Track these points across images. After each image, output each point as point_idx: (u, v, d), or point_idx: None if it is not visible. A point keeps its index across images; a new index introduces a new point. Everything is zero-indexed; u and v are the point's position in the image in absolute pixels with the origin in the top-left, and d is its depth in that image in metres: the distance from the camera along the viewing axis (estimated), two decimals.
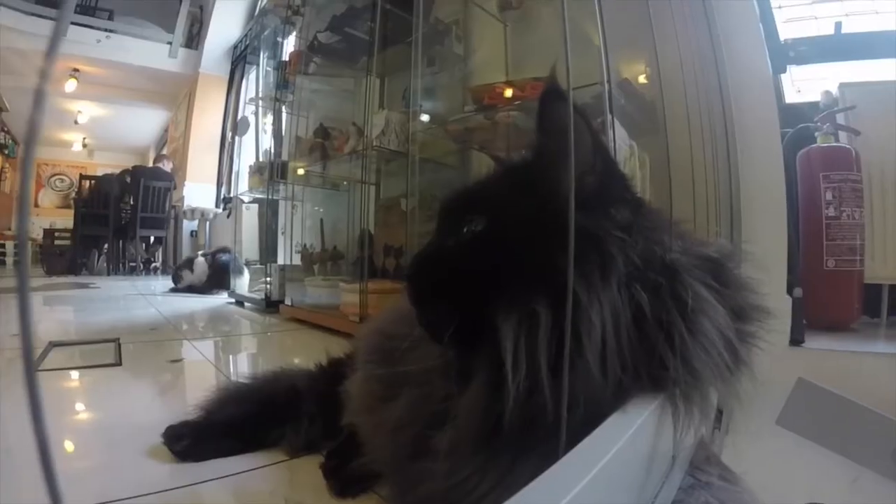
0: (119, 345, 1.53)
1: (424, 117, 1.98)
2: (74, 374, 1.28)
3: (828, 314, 1.57)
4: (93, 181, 5.95)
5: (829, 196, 1.56)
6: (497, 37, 2.11)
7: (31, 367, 0.21)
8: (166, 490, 0.63)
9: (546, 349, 0.43)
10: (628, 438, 0.38)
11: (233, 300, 3.08)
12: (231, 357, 1.66)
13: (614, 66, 1.33)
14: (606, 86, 1.16)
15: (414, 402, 0.53)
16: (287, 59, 3.03)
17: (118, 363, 1.33)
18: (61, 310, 2.78)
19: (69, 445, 0.81)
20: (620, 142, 1.20)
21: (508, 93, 1.61)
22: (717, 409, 1.20)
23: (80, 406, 1.04)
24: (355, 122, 2.35)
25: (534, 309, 0.45)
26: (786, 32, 1.81)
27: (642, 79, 1.51)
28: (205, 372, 1.36)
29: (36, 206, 9.73)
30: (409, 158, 1.83)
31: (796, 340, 1.35)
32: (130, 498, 0.61)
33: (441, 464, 0.46)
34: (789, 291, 1.38)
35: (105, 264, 5.69)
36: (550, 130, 0.51)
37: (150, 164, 5.97)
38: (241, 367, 1.53)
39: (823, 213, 1.57)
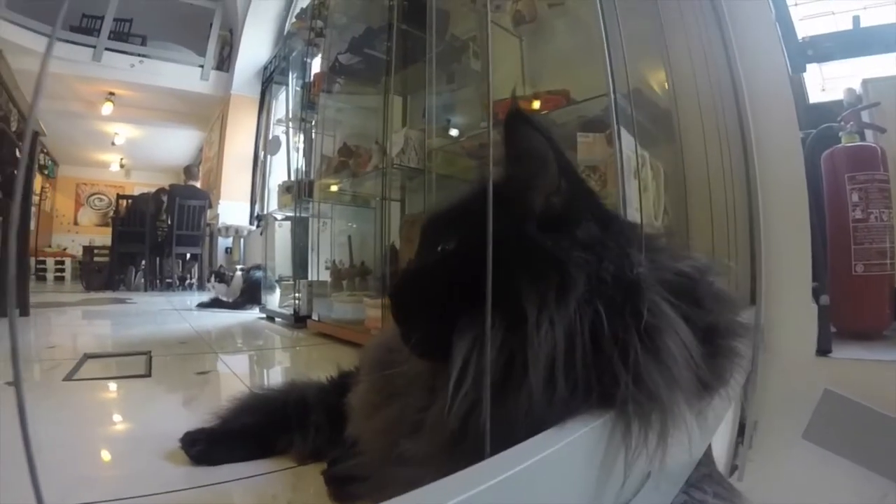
0: (150, 357, 1.59)
1: (454, 132, 2.01)
2: (105, 384, 1.35)
3: (857, 322, 1.52)
4: (129, 200, 6.16)
5: (855, 198, 1.52)
6: (513, 51, 2.12)
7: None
8: (179, 490, 0.67)
9: (493, 367, 0.44)
10: (556, 451, 0.39)
11: (264, 315, 3.15)
12: (255, 370, 1.71)
13: (622, 75, 1.33)
14: (612, 96, 1.15)
15: (396, 411, 0.56)
16: (312, 80, 3.10)
17: (148, 374, 1.40)
18: (98, 323, 2.90)
19: (94, 448, 0.87)
20: (630, 152, 1.20)
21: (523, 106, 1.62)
22: (739, 422, 1.18)
23: (108, 413, 1.11)
24: (378, 141, 2.39)
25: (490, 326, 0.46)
26: (803, 30, 1.76)
27: (655, 86, 1.51)
28: (229, 383, 1.41)
29: (76, 223, 10.29)
30: (425, 175, 1.85)
31: (823, 350, 1.31)
32: (145, 496, 0.65)
33: (406, 471, 0.48)
34: (816, 299, 1.35)
35: (142, 280, 5.87)
36: (515, 153, 0.52)
37: (184, 181, 6.12)
38: (264, 380, 1.57)
39: (850, 216, 1.52)
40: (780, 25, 1.47)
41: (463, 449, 0.44)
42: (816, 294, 1.36)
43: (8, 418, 0.84)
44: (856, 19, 1.75)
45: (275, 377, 1.64)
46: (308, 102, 3.16)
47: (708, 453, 0.71)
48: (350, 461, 0.66)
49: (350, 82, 2.85)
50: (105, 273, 5.89)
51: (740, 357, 0.55)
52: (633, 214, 1.20)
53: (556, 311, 0.45)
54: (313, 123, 3.13)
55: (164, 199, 5.91)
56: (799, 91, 1.74)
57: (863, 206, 1.52)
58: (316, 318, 2.48)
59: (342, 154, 2.67)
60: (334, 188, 2.78)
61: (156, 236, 5.80)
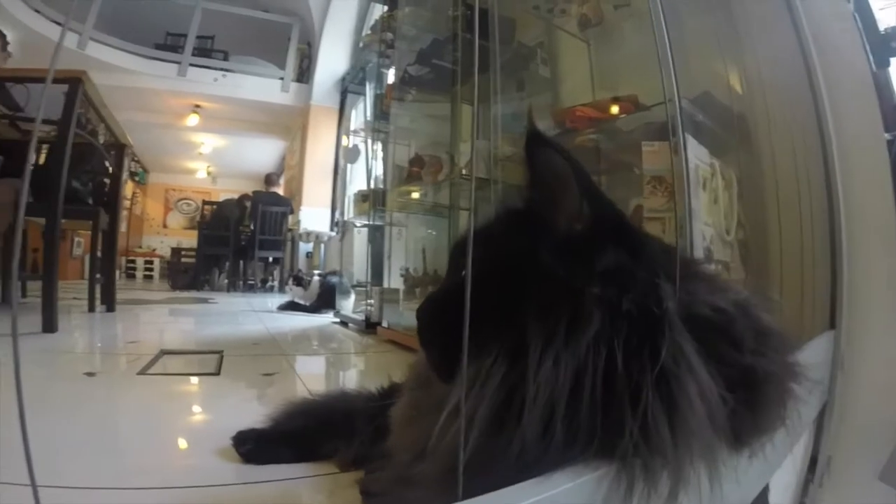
0: (222, 357, 1.67)
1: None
2: (176, 380, 1.43)
3: None
4: (214, 206, 6.55)
5: None
6: (581, 57, 2.09)
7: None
8: (224, 485, 0.71)
9: (489, 402, 0.43)
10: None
11: (338, 320, 3.25)
12: (319, 374, 1.77)
13: (691, 78, 1.28)
14: (675, 101, 1.10)
15: (421, 430, 0.54)
16: (383, 91, 3.18)
17: (217, 373, 1.46)
18: (179, 321, 3.10)
19: (152, 439, 0.93)
20: (698, 161, 1.15)
21: (585, 114, 1.60)
22: (811, 456, 1.10)
23: (172, 407, 1.16)
24: (448, 151, 2.42)
25: (489, 360, 0.45)
26: (886, 20, 1.60)
27: (725, 88, 1.43)
28: (291, 386, 1.46)
29: (165, 226, 11.15)
30: (491, 186, 1.85)
31: None
32: (193, 487, 0.69)
33: (412, 493, 0.48)
34: None
35: (225, 281, 6.20)
36: (537, 176, 0.50)
37: (264, 188, 6.43)
38: (327, 384, 1.61)
39: None
40: (859, 17, 1.35)
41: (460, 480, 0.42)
42: None
43: (87, 404, 0.93)
44: None
45: (337, 382, 1.68)
46: (381, 113, 3.24)
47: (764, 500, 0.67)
48: (377, 474, 0.67)
49: (421, 92, 2.90)
50: (190, 273, 6.30)
51: (795, 400, 0.51)
52: (702, 229, 1.16)
53: (565, 348, 0.42)
54: (387, 133, 3.19)
55: (248, 204, 6.23)
56: (884, 88, 1.60)
57: None
58: (385, 325, 2.52)
59: (415, 164, 2.72)
60: (415, 195, 2.83)
61: (239, 240, 6.10)
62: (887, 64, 1.57)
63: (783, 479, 0.95)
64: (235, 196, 6.79)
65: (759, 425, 0.47)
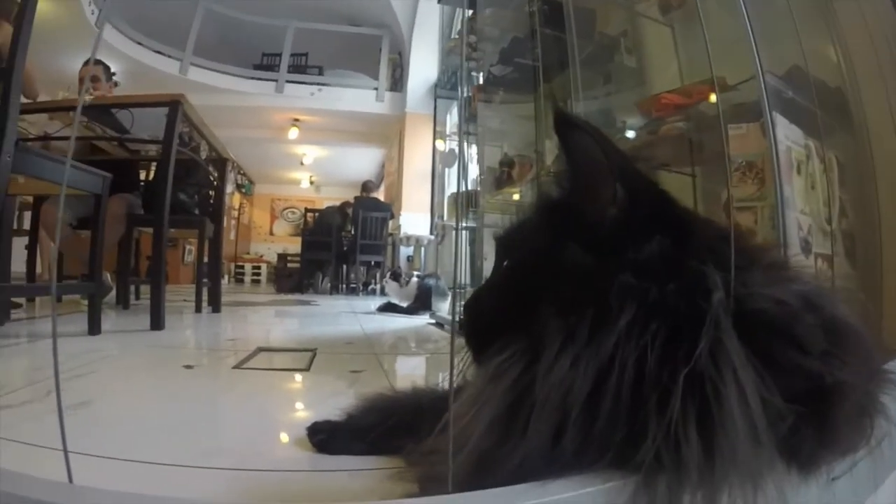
0: (314, 354, 1.73)
1: (630, 133, 1.94)
2: (268, 374, 1.50)
3: None
4: (316, 213, 6.92)
5: None
6: (666, 41, 2.00)
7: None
8: (294, 471, 0.75)
9: (496, 404, 0.42)
10: None
11: (433, 322, 3.31)
12: (406, 372, 1.79)
13: (782, 53, 1.19)
14: (760, 77, 1.04)
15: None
16: (471, 93, 3.21)
17: (307, 369, 1.53)
18: (282, 322, 3.26)
19: (238, 425, 0.99)
20: (790, 142, 1.07)
21: (670, 101, 1.54)
22: None
23: (258, 398, 1.21)
24: (538, 150, 2.40)
25: (508, 356, 0.44)
26: None
27: (824, 63, 1.31)
28: (377, 382, 1.47)
29: (271, 234, 11.97)
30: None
31: None
32: (264, 470, 0.73)
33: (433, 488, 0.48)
34: None
35: (328, 285, 6.49)
36: (571, 163, 0.47)
37: (363, 195, 6.69)
38: (411, 382, 1.63)
39: None
40: None
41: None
42: None
43: (180, 392, 0.99)
44: None
45: (423, 381, 1.69)
46: (470, 115, 3.26)
47: None
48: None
49: (507, 92, 2.89)
50: (295, 278, 6.66)
51: (885, 417, 0.43)
52: (797, 218, 1.07)
53: (586, 348, 0.39)
54: (476, 135, 3.22)
55: (349, 211, 6.53)
56: None
57: None
58: None
59: (504, 164, 2.73)
60: (515, 196, 2.83)
61: (341, 245, 6.38)
62: None
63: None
64: (337, 203, 7.11)
65: (830, 445, 0.40)
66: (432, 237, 6.20)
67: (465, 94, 3.53)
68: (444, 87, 5.90)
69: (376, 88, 7.21)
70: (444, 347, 2.33)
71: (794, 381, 0.38)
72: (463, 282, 3.58)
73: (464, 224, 3.17)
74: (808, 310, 0.41)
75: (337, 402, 0.96)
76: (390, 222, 6.53)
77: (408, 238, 6.61)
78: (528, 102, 2.78)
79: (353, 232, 6.19)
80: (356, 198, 6.63)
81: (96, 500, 0.31)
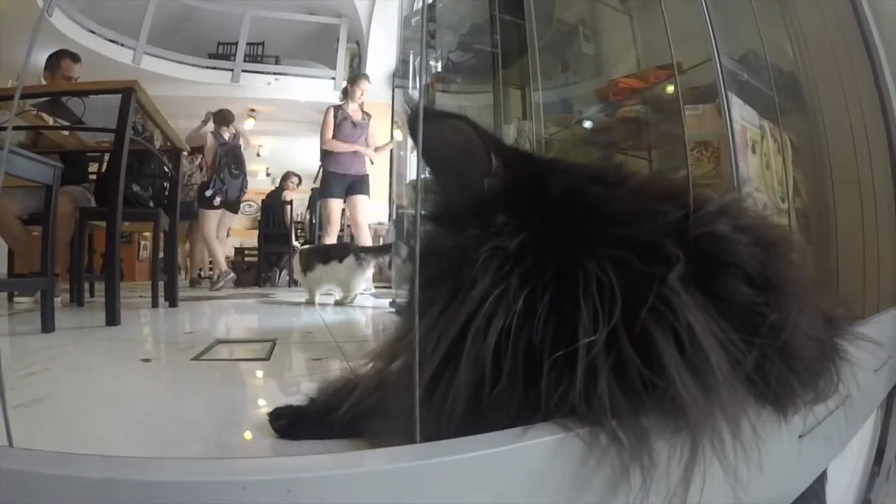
0: (274, 344, 1.69)
1: (588, 123, 1.95)
2: (228, 364, 1.45)
3: None
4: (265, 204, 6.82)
5: None
6: (623, 29, 2.02)
7: None
8: (255, 457, 0.73)
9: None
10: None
11: (393, 310, 3.27)
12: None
13: (737, 38, 1.21)
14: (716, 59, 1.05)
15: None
16: (429, 80, 3.18)
17: (267, 359, 1.49)
18: (241, 315, 3.17)
19: (199, 415, 0.95)
20: (745, 122, 1.09)
21: (627, 85, 1.55)
22: (878, 448, 1.00)
23: (218, 387, 1.18)
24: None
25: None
26: None
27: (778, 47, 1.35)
28: (338, 369, 1.49)
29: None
30: None
31: None
32: (225, 458, 0.69)
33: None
34: None
35: (286, 278, 6.37)
36: (443, 147, 0.46)
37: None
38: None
39: None
40: None
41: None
42: None
43: (138, 384, 0.97)
44: None
45: None
46: (428, 103, 3.24)
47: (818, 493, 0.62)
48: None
49: (466, 80, 2.88)
50: (253, 272, 6.54)
51: (849, 364, 0.45)
52: (753, 196, 1.09)
53: (441, 318, 0.40)
54: None
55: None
56: None
57: None
58: None
59: None
60: None
61: (298, 238, 6.31)
62: None
63: (845, 471, 0.87)
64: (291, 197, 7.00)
65: (798, 372, 0.40)
66: (390, 227, 6.16)
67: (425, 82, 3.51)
68: (403, 75, 5.84)
69: (334, 78, 7.07)
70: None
71: (749, 315, 0.38)
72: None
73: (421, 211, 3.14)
74: (755, 244, 0.41)
75: (297, 389, 0.93)
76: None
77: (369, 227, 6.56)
78: (487, 92, 2.79)
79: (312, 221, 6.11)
80: (314, 188, 6.54)
81: (32, 460, 0.29)
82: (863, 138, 1.17)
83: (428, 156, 0.47)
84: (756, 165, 1.11)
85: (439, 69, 3.08)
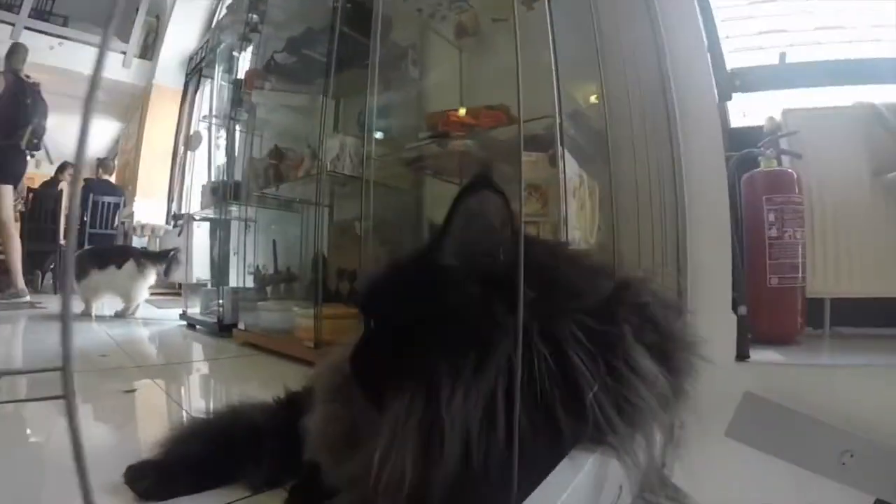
0: None
1: (378, 134, 1.97)
2: (17, 407, 1.17)
3: (773, 329, 1.62)
4: (32, 194, 5.72)
5: (771, 217, 1.62)
6: (452, 62, 2.13)
7: None
8: None
9: (412, 441, 0.48)
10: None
11: (184, 323, 3.00)
12: (186, 387, 1.60)
13: (564, 94, 1.35)
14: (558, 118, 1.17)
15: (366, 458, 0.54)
16: (243, 77, 2.99)
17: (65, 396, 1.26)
18: (5, 332, 2.63)
19: (23, 486, 0.77)
20: (571, 173, 1.23)
21: (459, 119, 1.64)
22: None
23: (29, 442, 0.98)
24: (310, 145, 2.33)
25: (405, 403, 0.50)
26: (732, 62, 1.88)
27: (593, 99, 1.55)
28: (160, 403, 1.32)
29: None
30: (363, 182, 1.81)
31: (742, 356, 1.39)
32: None
33: None
34: (734, 310, 1.43)
35: (51, 282, 5.40)
36: (468, 215, 0.53)
37: (97, 174, 5.74)
38: (197, 397, 1.48)
39: (766, 234, 1.62)
40: (710, 56, 1.55)
41: None
42: (735, 305, 1.44)
43: None
44: (782, 56, 1.88)
45: (210, 394, 1.55)
46: (237, 99, 3.04)
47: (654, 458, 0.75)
48: (317, 497, 0.64)
49: (283, 82, 2.77)
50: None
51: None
52: (572, 233, 1.24)
53: (473, 383, 0.47)
54: (242, 122, 3.00)
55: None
56: (723, 116, 1.84)
57: (778, 226, 1.62)
58: (242, 328, 2.37)
59: (273, 157, 2.59)
60: (257, 193, 2.67)
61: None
62: (729, 98, 1.83)
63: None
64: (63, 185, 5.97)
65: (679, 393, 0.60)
66: (169, 227, 5.62)
67: (226, 74, 3.29)
68: (205, 62, 5.36)
69: (125, 52, 6.27)
70: (211, 353, 2.13)
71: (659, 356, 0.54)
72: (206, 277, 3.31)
73: (220, 216, 2.93)
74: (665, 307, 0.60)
75: (129, 435, 0.81)
76: (122, 208, 5.71)
77: (142, 227, 5.88)
78: (303, 94, 2.71)
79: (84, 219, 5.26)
80: (87, 179, 5.67)
81: None
82: (658, 186, 1.41)
83: (463, 219, 0.53)
84: (575, 208, 1.26)
85: (245, 62, 2.93)
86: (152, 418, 1.18)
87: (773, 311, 1.63)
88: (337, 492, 0.62)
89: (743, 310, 1.46)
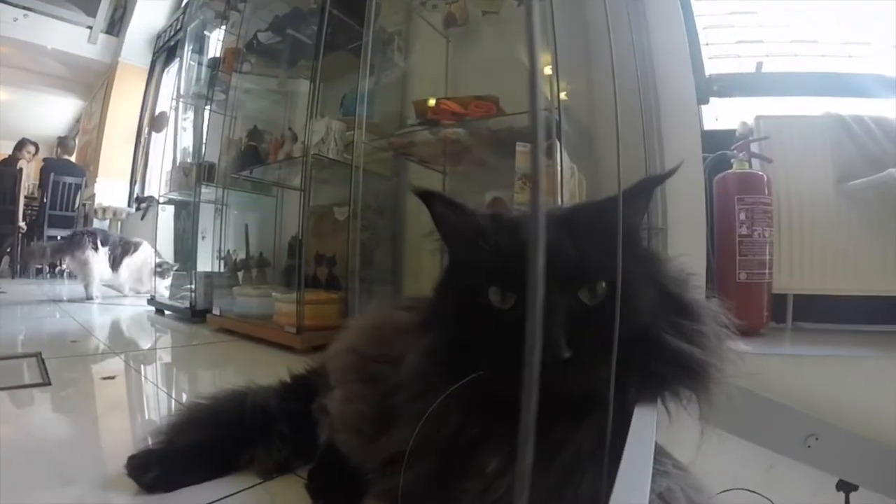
0: (42, 360, 1.39)
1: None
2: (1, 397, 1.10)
3: (741, 321, 1.70)
4: None
5: (742, 216, 1.69)
6: (438, 51, 2.14)
7: None
8: None
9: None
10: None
11: (153, 308, 2.94)
12: (168, 372, 1.57)
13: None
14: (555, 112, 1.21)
15: (423, 435, 0.52)
16: (222, 55, 2.93)
17: (47, 382, 1.20)
18: None
19: (21, 483, 0.71)
20: (564, 165, 1.27)
21: (449, 108, 1.66)
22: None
23: (13, 436, 0.90)
24: (291, 128, 2.32)
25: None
26: (710, 68, 1.96)
27: (564, 96, 1.60)
28: (146, 390, 1.29)
29: None
30: (352, 168, 1.82)
31: None
32: None
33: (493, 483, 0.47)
34: None
35: (9, 266, 5.20)
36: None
37: (57, 154, 5.52)
38: (181, 383, 1.44)
39: (737, 232, 1.69)
40: (691, 61, 1.61)
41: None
42: (706, 298, 1.51)
43: None
44: (759, 65, 1.97)
45: (195, 380, 1.52)
46: (214, 79, 2.97)
47: None
48: (340, 479, 0.64)
49: (262, 63, 2.73)
50: None
51: None
52: None
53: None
54: (217, 102, 2.94)
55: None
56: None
57: (748, 224, 1.69)
58: (217, 313, 2.34)
59: (251, 138, 2.56)
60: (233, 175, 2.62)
61: (24, 216, 5.14)
62: (707, 101, 1.91)
63: None
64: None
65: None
66: (131, 210, 5.46)
67: (196, 53, 3.21)
68: (174, 40, 5.17)
69: (91, 27, 5.96)
70: (186, 339, 2.09)
71: None
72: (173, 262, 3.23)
73: (194, 199, 2.87)
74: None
75: (124, 422, 0.78)
76: (83, 190, 5.49)
77: (104, 210, 5.68)
78: (284, 76, 2.68)
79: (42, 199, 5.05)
80: (46, 159, 5.44)
81: None
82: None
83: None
84: (567, 199, 1.30)
85: (235, 44, 2.87)
86: (137, 405, 1.14)
87: (741, 304, 1.69)
88: (363, 472, 0.61)
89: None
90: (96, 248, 3.35)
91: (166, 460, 0.69)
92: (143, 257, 3.51)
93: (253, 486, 0.71)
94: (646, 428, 0.47)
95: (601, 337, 0.47)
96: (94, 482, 0.69)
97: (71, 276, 4.40)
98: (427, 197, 0.57)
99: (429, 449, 0.51)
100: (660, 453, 0.57)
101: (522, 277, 0.49)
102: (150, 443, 0.74)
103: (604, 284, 0.50)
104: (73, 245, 3.33)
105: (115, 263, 3.43)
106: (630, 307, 0.48)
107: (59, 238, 4.18)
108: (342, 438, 0.68)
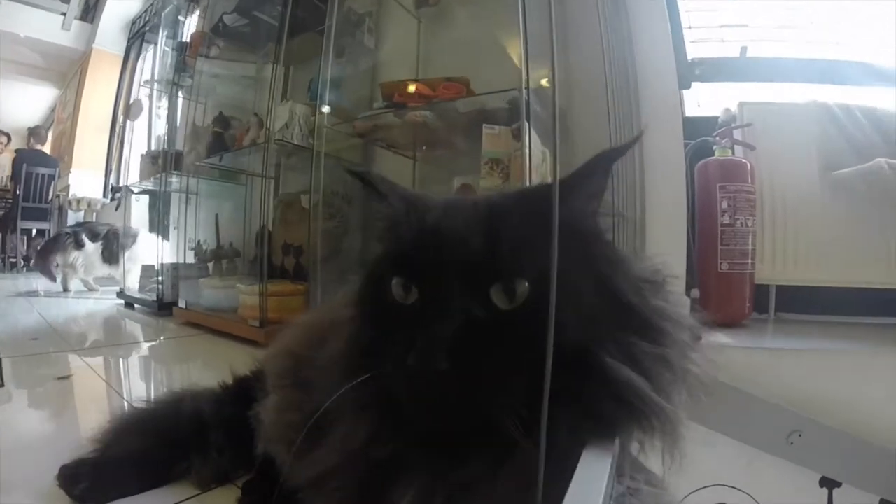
0: None
1: (325, 108, 1.90)
2: None
3: (722, 313, 1.65)
4: None
5: (724, 205, 1.63)
6: (410, 33, 2.06)
7: None
8: None
9: None
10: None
11: (122, 302, 2.84)
12: (125, 371, 1.51)
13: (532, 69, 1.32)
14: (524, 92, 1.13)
15: (337, 456, 0.47)
16: (188, 40, 2.83)
17: (0, 384, 1.16)
18: None
19: None
20: (534, 149, 1.19)
21: (417, 90, 1.58)
22: None
23: None
24: (257, 113, 2.23)
25: None
26: (693, 52, 1.90)
27: (545, 83, 1.53)
28: (97, 391, 1.22)
29: None
30: (313, 153, 1.73)
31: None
32: None
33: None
34: (687, 293, 1.44)
35: None
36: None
37: (29, 144, 5.38)
38: (137, 383, 1.38)
39: (719, 221, 1.64)
40: (672, 45, 1.55)
41: None
42: (687, 288, 1.45)
43: None
44: (743, 49, 1.91)
45: (151, 379, 1.45)
46: (181, 65, 2.87)
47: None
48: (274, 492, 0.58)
49: (230, 47, 2.63)
50: None
51: None
52: None
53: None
54: (186, 88, 2.85)
55: None
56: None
57: (731, 213, 1.63)
58: (183, 306, 2.25)
59: (217, 125, 2.46)
60: (198, 163, 2.52)
61: None
62: (689, 86, 1.85)
63: None
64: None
65: None
66: (107, 200, 5.33)
67: (176, 39, 3.11)
68: (148, 26, 5.04)
69: (65, 14, 5.77)
70: (151, 334, 2.02)
71: None
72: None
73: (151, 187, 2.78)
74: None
75: (68, 427, 0.72)
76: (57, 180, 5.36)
77: (78, 201, 5.55)
78: (252, 62, 2.60)
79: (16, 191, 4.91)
80: (18, 150, 5.30)
81: None
82: (618, 169, 1.41)
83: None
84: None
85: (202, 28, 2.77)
86: (89, 407, 1.10)
87: (723, 295, 1.66)
88: (296, 489, 0.55)
89: (694, 293, 1.47)
90: (81, 246, 3.26)
91: (98, 471, 0.65)
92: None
93: (189, 499, 0.68)
94: (595, 479, 0.37)
95: (510, 352, 0.38)
96: (28, 493, 0.65)
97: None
98: (359, 176, 0.51)
99: (351, 468, 0.45)
100: (633, 467, 0.50)
101: (425, 269, 0.42)
102: (86, 451, 0.69)
103: (526, 285, 0.40)
104: (57, 246, 3.25)
105: (111, 258, 3.34)
106: (559, 319, 0.34)
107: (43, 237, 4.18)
108: (274, 450, 0.63)
